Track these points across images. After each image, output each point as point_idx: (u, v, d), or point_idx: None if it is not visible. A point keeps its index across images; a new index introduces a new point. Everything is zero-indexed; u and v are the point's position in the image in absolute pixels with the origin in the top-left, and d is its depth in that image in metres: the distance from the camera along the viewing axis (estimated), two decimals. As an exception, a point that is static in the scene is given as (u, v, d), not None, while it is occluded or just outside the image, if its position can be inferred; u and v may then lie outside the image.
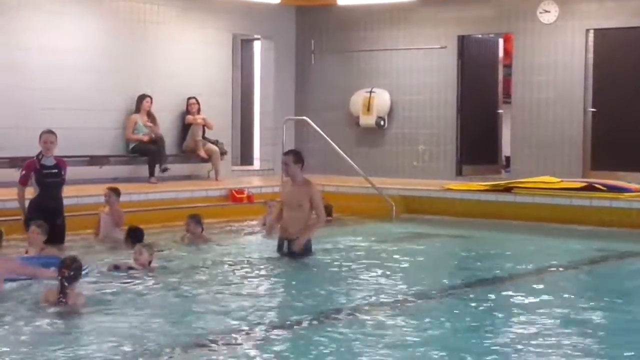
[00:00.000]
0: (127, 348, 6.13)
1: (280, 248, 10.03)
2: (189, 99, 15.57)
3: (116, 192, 11.17)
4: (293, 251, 9.84)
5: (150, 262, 9.03)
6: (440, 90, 16.47)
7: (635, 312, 7.57)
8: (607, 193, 12.97)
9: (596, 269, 9.99)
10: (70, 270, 7.30)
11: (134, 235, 10.11)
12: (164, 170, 14.48)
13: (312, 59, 17.64)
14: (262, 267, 9.56)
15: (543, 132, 15.54)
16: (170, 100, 15.49)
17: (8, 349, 6.11)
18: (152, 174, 14.34)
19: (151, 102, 14.91)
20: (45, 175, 10.50)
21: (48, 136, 10.62)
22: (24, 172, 10.62)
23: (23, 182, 10.61)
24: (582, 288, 8.94)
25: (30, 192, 10.67)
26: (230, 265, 9.54)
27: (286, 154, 10.38)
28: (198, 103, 15.60)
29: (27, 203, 10.62)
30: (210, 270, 9.25)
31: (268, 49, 17.60)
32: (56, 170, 10.58)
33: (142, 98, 14.83)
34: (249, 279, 8.88)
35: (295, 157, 10.05)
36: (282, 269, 9.49)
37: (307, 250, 9.93)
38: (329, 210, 13.23)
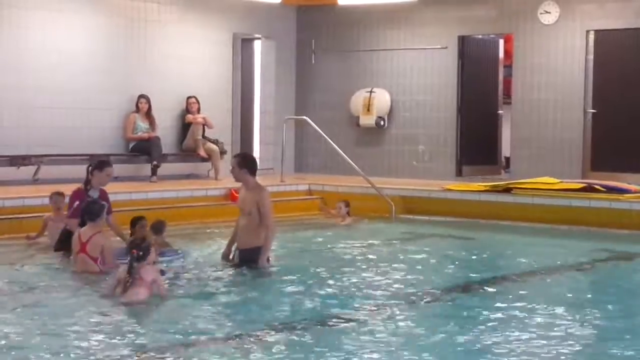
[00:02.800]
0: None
1: (229, 256, 9.32)
2: (188, 98, 15.57)
3: (63, 196, 10.46)
4: (245, 260, 9.10)
5: (155, 263, 8.89)
6: (441, 91, 16.46)
7: (634, 314, 7.57)
8: (606, 194, 12.97)
9: (595, 270, 9.97)
10: (140, 250, 7.59)
11: (136, 223, 10.03)
12: (155, 167, 14.34)
13: (312, 58, 17.64)
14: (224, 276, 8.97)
15: (543, 133, 15.54)
16: (171, 99, 15.49)
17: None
18: (153, 173, 14.34)
19: (148, 103, 14.87)
20: None
21: (112, 170, 9.94)
22: (77, 202, 9.51)
23: (75, 215, 9.44)
24: (581, 289, 8.94)
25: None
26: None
27: (234, 157, 9.64)
28: (198, 102, 15.60)
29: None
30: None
31: (268, 49, 17.59)
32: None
33: (138, 98, 14.83)
34: (213, 288, 8.40)
35: (241, 161, 9.25)
36: (242, 276, 8.94)
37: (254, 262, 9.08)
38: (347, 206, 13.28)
